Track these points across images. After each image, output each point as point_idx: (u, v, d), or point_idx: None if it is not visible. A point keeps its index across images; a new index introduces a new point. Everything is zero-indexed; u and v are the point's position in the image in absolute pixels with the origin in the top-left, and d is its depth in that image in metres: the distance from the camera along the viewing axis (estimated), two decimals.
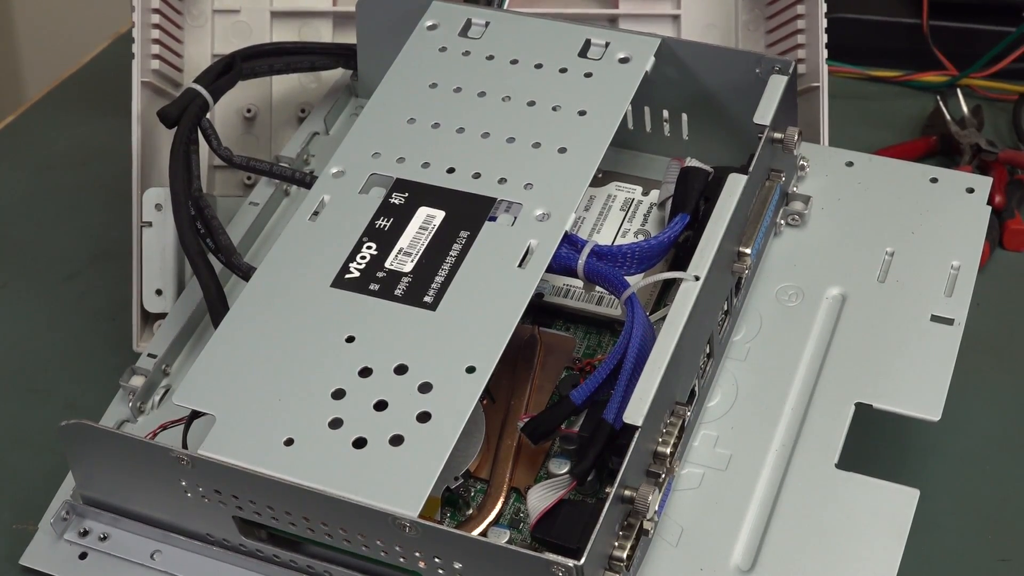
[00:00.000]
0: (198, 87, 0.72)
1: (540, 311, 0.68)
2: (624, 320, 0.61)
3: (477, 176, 0.64)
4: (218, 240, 0.68)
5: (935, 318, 0.64)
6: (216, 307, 0.66)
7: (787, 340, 0.65)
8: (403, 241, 0.62)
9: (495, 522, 0.60)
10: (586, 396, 0.59)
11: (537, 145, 0.65)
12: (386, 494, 0.53)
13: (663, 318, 0.58)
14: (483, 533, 0.60)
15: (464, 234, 0.62)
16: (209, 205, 0.69)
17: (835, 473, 0.60)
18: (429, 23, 0.71)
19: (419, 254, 0.61)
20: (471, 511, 0.61)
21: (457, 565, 0.54)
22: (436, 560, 0.54)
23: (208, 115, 0.72)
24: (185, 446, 0.61)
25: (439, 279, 0.60)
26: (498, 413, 0.63)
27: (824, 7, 0.78)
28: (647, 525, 0.55)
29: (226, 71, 0.74)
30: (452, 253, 0.61)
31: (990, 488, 0.69)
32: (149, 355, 0.68)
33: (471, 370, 0.57)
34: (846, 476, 0.60)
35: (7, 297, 0.84)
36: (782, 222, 0.69)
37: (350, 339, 0.59)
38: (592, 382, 0.59)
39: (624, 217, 0.71)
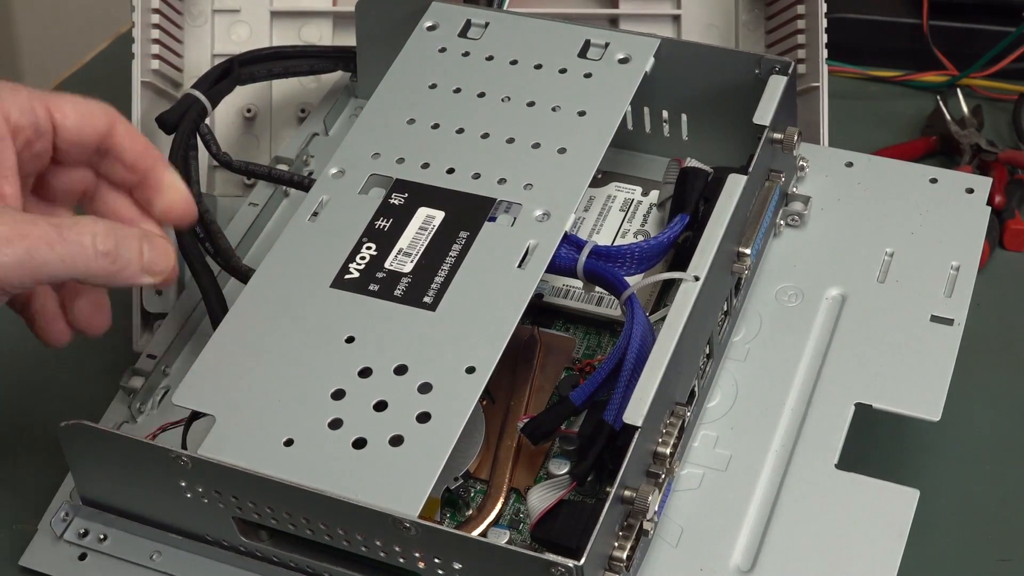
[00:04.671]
0: (196, 92, 0.72)
1: (540, 311, 0.68)
2: (624, 320, 0.61)
3: (477, 176, 0.64)
4: (217, 243, 0.68)
5: (935, 318, 0.64)
6: (216, 313, 0.66)
7: (787, 340, 0.65)
8: (403, 241, 0.62)
9: (495, 522, 0.60)
10: (586, 396, 0.59)
11: (537, 145, 0.65)
12: (386, 494, 0.53)
13: (663, 318, 0.58)
14: (483, 533, 0.60)
15: (464, 234, 0.62)
16: (208, 209, 0.69)
17: (835, 473, 0.60)
18: (428, 24, 0.71)
19: (419, 254, 0.61)
20: (471, 511, 0.61)
21: (457, 565, 0.54)
22: (436, 560, 0.54)
23: (207, 120, 0.72)
24: (185, 447, 0.61)
25: (439, 279, 0.60)
26: (498, 413, 0.63)
27: (824, 7, 0.78)
28: (647, 525, 0.55)
29: (224, 76, 0.74)
30: (452, 253, 0.61)
31: (990, 488, 0.69)
32: (149, 356, 0.68)
33: (471, 370, 0.57)
34: (846, 476, 0.60)
35: None
36: (782, 222, 0.69)
37: (350, 339, 0.59)
38: (592, 382, 0.59)
39: (624, 217, 0.71)
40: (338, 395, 0.57)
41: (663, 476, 0.56)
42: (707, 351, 0.62)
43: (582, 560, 0.51)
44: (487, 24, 0.71)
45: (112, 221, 0.58)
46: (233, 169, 0.72)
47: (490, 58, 0.69)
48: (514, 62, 0.69)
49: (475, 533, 0.59)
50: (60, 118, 0.59)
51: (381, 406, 0.56)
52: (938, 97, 0.92)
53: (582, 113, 0.66)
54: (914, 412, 0.61)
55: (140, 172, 0.61)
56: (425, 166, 0.65)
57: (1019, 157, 0.87)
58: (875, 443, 0.68)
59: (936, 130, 0.91)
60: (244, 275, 0.66)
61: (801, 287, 0.67)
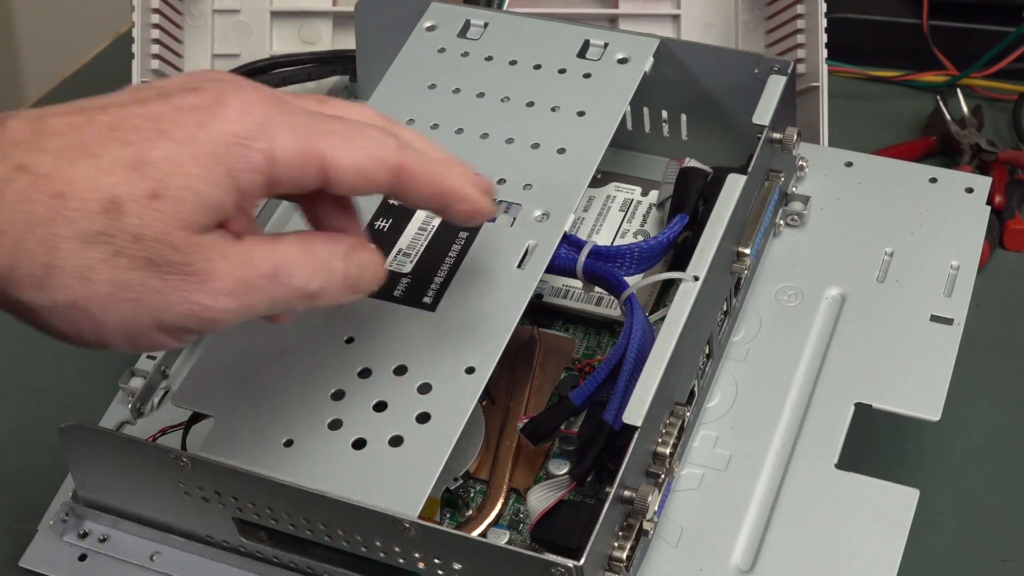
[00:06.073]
0: None
1: (539, 312, 0.68)
2: (623, 321, 0.61)
3: None
4: None
5: (935, 318, 0.64)
6: None
7: (787, 340, 0.65)
8: (402, 242, 0.62)
9: (495, 523, 0.60)
10: (585, 397, 0.59)
11: (536, 146, 0.65)
12: (386, 495, 0.53)
13: (662, 318, 0.58)
14: (483, 534, 0.60)
15: (463, 235, 0.62)
16: None
17: (835, 473, 0.60)
18: (428, 24, 0.71)
19: (418, 255, 0.61)
20: (471, 512, 0.61)
21: (457, 566, 0.54)
22: (436, 561, 0.54)
23: None
24: (185, 447, 0.61)
25: (438, 280, 0.60)
26: (497, 414, 0.63)
27: (824, 7, 0.78)
28: (647, 525, 0.55)
29: None
30: (451, 254, 0.61)
31: (990, 488, 0.69)
32: (148, 356, 0.68)
33: (470, 371, 0.57)
34: (846, 476, 0.60)
35: None
36: (781, 222, 0.69)
37: (349, 340, 0.59)
38: (591, 383, 0.59)
39: (623, 217, 0.71)
40: (338, 396, 0.57)
41: (663, 476, 0.56)
42: (707, 351, 0.62)
43: (582, 560, 0.51)
44: (486, 24, 0.71)
45: (318, 245, 0.50)
46: None
47: (489, 58, 0.69)
48: (513, 62, 0.69)
49: (475, 533, 0.59)
50: (335, 178, 0.49)
51: (381, 407, 0.56)
52: (938, 97, 0.92)
53: (581, 113, 0.66)
54: (914, 412, 0.61)
55: (423, 205, 0.53)
56: None
57: (1019, 157, 0.87)
58: (875, 443, 0.68)
59: (936, 130, 0.91)
60: None
61: (801, 287, 0.67)
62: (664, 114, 0.72)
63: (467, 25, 0.71)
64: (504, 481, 0.61)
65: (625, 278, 0.62)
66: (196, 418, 0.60)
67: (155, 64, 0.79)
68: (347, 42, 0.81)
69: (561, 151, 0.64)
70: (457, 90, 0.68)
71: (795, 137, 0.67)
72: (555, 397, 0.65)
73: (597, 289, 0.66)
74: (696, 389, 0.61)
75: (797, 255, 0.68)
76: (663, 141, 0.73)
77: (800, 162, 0.70)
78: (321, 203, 0.52)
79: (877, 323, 0.65)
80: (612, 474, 0.54)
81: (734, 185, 0.62)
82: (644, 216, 0.71)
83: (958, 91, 0.92)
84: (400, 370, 0.57)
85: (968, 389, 0.69)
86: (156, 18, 0.79)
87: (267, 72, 0.77)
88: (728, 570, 0.57)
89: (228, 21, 0.84)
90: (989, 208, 0.68)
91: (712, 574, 0.57)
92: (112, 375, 0.68)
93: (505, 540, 0.59)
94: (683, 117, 0.71)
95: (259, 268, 0.48)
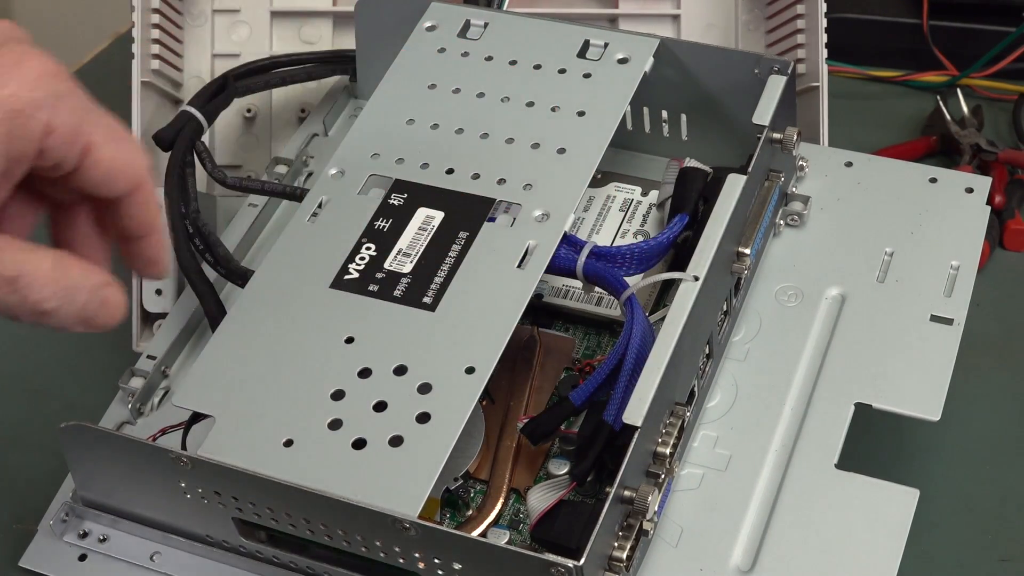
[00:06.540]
0: (192, 109, 0.72)
1: (539, 312, 0.68)
2: (623, 321, 0.61)
3: (476, 177, 0.64)
4: (216, 253, 0.68)
5: (935, 318, 0.64)
6: (217, 322, 0.66)
7: (786, 340, 0.65)
8: (402, 242, 0.62)
9: (495, 523, 0.60)
10: (585, 397, 0.59)
11: (536, 146, 0.65)
12: (386, 495, 0.53)
13: (662, 318, 0.58)
14: (483, 534, 0.60)
15: (463, 235, 0.62)
16: (206, 223, 0.69)
17: (835, 473, 0.60)
18: (428, 24, 0.71)
19: (418, 255, 0.61)
20: (471, 512, 0.61)
21: (457, 566, 0.54)
22: (436, 561, 0.54)
23: (203, 137, 0.72)
24: (184, 447, 0.61)
25: (438, 280, 0.60)
26: (497, 414, 0.63)
27: (824, 7, 0.78)
28: (647, 525, 0.55)
29: (219, 91, 0.74)
30: (451, 254, 0.61)
31: (990, 488, 0.69)
32: (148, 356, 0.68)
33: (470, 371, 0.57)
34: (846, 476, 0.60)
35: None
36: (781, 222, 0.69)
37: (349, 340, 0.59)
38: (591, 383, 0.59)
39: (623, 218, 0.71)
40: (338, 396, 0.57)
41: (663, 476, 0.56)
42: (707, 351, 0.62)
43: (582, 560, 0.51)
44: (486, 24, 0.71)
45: (73, 270, 0.49)
46: (228, 186, 0.71)
47: (489, 58, 0.69)
48: (513, 62, 0.69)
49: (475, 533, 0.59)
50: (89, 165, 0.49)
51: (381, 406, 0.56)
52: (938, 97, 0.92)
53: (581, 113, 0.66)
54: (914, 412, 0.61)
55: (137, 233, 0.52)
56: (424, 166, 0.65)
57: (1019, 157, 0.87)
58: (875, 443, 0.68)
59: (936, 130, 0.91)
60: (245, 279, 0.66)
61: (801, 287, 0.67)
62: (664, 114, 0.72)
63: (467, 25, 0.71)
64: (504, 481, 0.61)
65: (625, 278, 0.62)
66: (196, 418, 0.60)
67: (155, 64, 0.79)
68: (347, 42, 0.81)
69: (561, 151, 0.65)
70: (457, 90, 0.68)
71: (795, 137, 0.67)
72: (555, 397, 0.65)
73: (597, 289, 0.66)
74: (696, 389, 0.61)
75: (797, 255, 0.68)
76: (663, 141, 0.73)
77: (800, 162, 0.70)
78: (78, 221, 0.51)
79: (877, 323, 0.65)
80: (612, 474, 0.54)
81: (734, 185, 0.62)
82: (644, 216, 0.71)
83: (958, 91, 0.92)
84: (400, 370, 0.57)
85: (968, 389, 0.70)
86: (156, 18, 0.79)
87: (267, 72, 0.77)
88: (728, 570, 0.57)
89: (228, 21, 0.84)
90: (989, 208, 0.68)
91: (712, 574, 0.57)
92: (112, 375, 0.68)
93: (505, 540, 0.59)
94: (683, 117, 0.71)
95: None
